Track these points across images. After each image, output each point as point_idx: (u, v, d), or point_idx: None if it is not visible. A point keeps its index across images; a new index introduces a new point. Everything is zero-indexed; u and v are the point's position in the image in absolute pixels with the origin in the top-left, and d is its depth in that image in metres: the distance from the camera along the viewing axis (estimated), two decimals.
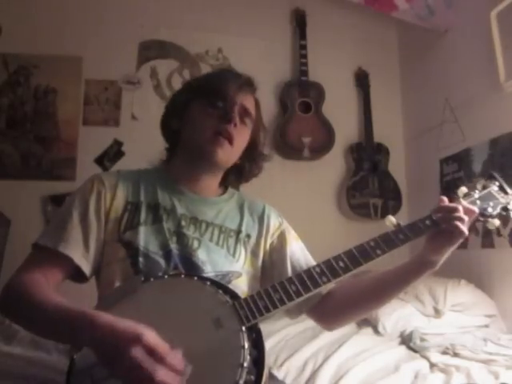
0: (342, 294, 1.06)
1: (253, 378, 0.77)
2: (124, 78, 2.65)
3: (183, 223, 1.02)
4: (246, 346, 0.78)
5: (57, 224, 0.99)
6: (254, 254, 1.09)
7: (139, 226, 0.99)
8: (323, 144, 2.71)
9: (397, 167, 2.81)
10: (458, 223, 0.92)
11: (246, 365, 0.75)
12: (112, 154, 2.57)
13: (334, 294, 1.06)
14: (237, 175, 1.17)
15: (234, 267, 1.02)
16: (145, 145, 2.53)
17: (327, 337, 1.66)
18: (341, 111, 2.80)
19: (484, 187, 1.05)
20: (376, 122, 2.82)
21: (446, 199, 0.98)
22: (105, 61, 2.63)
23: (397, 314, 1.85)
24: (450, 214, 0.94)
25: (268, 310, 0.83)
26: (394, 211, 2.68)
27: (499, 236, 2.03)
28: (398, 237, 0.95)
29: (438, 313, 1.89)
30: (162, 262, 0.96)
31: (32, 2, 2.61)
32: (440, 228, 0.95)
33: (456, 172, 2.37)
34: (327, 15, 2.90)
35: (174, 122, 1.11)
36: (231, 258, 1.03)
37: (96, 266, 0.99)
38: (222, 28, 2.76)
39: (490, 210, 1.01)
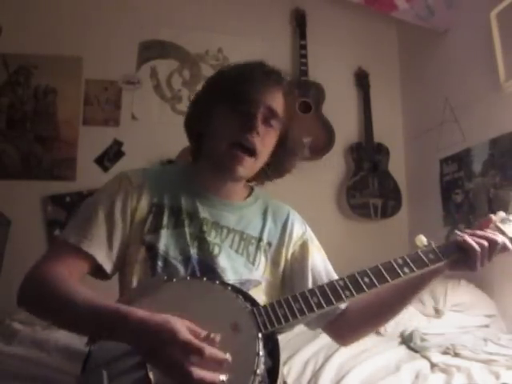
0: (357, 309, 1.04)
1: None
2: (124, 78, 2.64)
3: (205, 228, 1.00)
4: (261, 353, 0.76)
5: (82, 220, 0.97)
6: (275, 262, 1.06)
7: (161, 229, 0.98)
8: (323, 144, 2.71)
9: (397, 167, 2.80)
10: (473, 243, 0.91)
11: (259, 372, 0.74)
12: (112, 154, 2.57)
13: (349, 309, 1.05)
14: (265, 174, 1.11)
15: (254, 275, 1.01)
16: (145, 145, 2.56)
17: (328, 337, 1.65)
18: (341, 111, 2.80)
19: None
20: (376, 122, 2.82)
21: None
22: (105, 61, 2.62)
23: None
24: (473, 236, 0.93)
25: (287, 320, 0.81)
26: (394, 211, 2.68)
27: None
28: (428, 257, 0.93)
29: (438, 313, 1.89)
30: (180, 267, 0.95)
31: (32, 2, 2.61)
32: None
33: (456, 172, 2.36)
34: (327, 15, 2.90)
35: (197, 125, 1.06)
36: (251, 266, 1.01)
37: (119, 265, 0.98)
38: (222, 28, 2.76)
39: None
